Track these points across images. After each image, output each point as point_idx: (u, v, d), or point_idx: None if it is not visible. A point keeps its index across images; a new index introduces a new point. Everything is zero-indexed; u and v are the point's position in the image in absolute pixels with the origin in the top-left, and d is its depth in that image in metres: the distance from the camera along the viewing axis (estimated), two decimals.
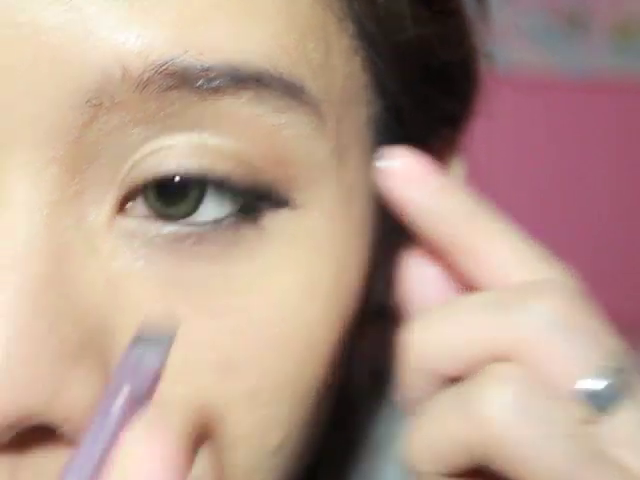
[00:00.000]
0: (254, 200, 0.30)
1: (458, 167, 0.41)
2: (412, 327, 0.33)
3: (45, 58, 0.27)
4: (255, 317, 0.31)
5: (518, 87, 1.29)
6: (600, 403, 0.30)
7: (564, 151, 1.40)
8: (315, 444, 0.35)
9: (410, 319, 0.35)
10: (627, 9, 1.34)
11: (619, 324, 0.33)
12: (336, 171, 0.32)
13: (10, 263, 0.27)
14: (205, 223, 0.30)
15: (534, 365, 0.31)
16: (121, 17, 0.28)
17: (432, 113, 0.37)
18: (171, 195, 0.30)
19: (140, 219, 0.30)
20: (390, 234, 0.37)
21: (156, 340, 0.28)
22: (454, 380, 0.33)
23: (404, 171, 0.34)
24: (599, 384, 0.30)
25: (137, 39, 0.27)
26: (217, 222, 0.30)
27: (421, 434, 0.32)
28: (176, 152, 0.29)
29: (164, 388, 0.30)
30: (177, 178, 0.30)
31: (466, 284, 0.34)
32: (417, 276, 0.35)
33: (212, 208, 0.30)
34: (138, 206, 0.30)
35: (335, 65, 0.31)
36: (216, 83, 0.28)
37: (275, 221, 0.31)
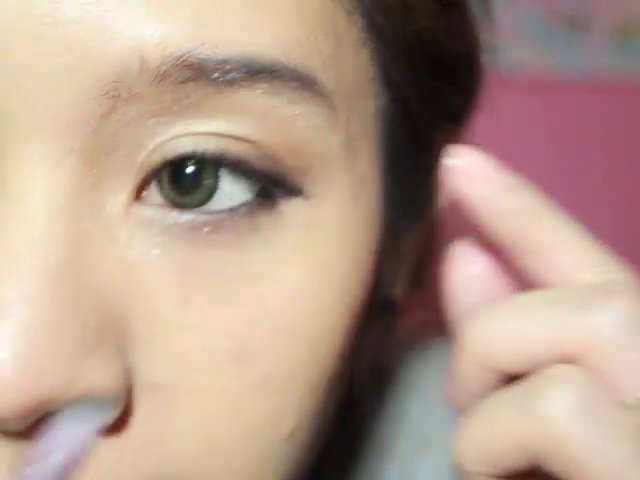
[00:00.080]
0: (269, 185, 0.31)
1: None
2: (475, 320, 0.33)
3: (63, 51, 0.28)
4: (270, 305, 0.31)
5: (518, 87, 1.29)
6: None
7: (564, 151, 1.40)
8: (323, 437, 0.35)
9: (453, 316, 0.35)
10: (627, 9, 1.34)
11: None
12: (347, 163, 0.32)
13: (29, 251, 0.28)
14: (221, 211, 0.30)
15: (599, 368, 0.30)
16: (139, 10, 0.28)
17: (437, 106, 0.37)
18: (185, 185, 0.30)
19: (156, 207, 0.30)
20: (396, 227, 0.37)
21: (88, 415, 0.28)
22: (512, 378, 0.32)
23: (471, 169, 0.34)
24: None
25: (155, 32, 0.28)
26: (233, 210, 0.30)
27: (474, 432, 0.32)
28: (192, 137, 0.29)
29: (179, 375, 0.30)
30: (191, 168, 0.30)
31: (520, 282, 0.34)
32: (464, 272, 0.36)
33: (227, 196, 0.30)
34: (154, 195, 0.30)
35: (344, 57, 0.32)
36: (231, 75, 0.29)
37: (290, 208, 0.31)
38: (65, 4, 0.28)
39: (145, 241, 0.30)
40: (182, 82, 0.28)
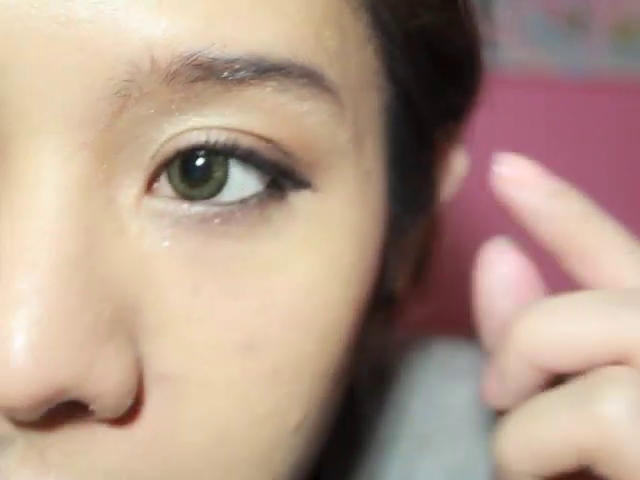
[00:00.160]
0: (279, 176, 0.31)
1: (460, 162, 0.42)
2: (524, 318, 0.33)
3: (75, 50, 0.28)
4: (279, 297, 0.31)
5: (518, 86, 1.30)
6: None
7: (564, 151, 1.41)
8: (329, 429, 0.36)
9: (482, 315, 0.36)
10: (627, 9, 1.34)
11: None
12: (354, 158, 0.33)
13: (41, 242, 0.28)
14: (232, 203, 0.31)
15: None
16: (150, 10, 0.28)
17: (439, 102, 0.38)
18: (195, 177, 0.31)
19: (167, 199, 0.31)
20: (400, 223, 0.38)
21: None
22: (560, 377, 0.32)
23: (519, 176, 0.35)
24: None
25: (165, 32, 0.28)
26: (243, 201, 0.31)
27: (522, 431, 0.32)
28: (204, 131, 0.30)
29: (189, 367, 0.30)
30: (201, 160, 0.30)
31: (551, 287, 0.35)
32: (496, 271, 0.36)
33: (238, 187, 0.31)
34: (164, 187, 0.31)
35: (350, 53, 0.32)
36: (241, 74, 0.29)
37: (299, 200, 0.32)
38: (78, 3, 0.28)
39: (156, 233, 0.30)
40: (192, 81, 0.29)
